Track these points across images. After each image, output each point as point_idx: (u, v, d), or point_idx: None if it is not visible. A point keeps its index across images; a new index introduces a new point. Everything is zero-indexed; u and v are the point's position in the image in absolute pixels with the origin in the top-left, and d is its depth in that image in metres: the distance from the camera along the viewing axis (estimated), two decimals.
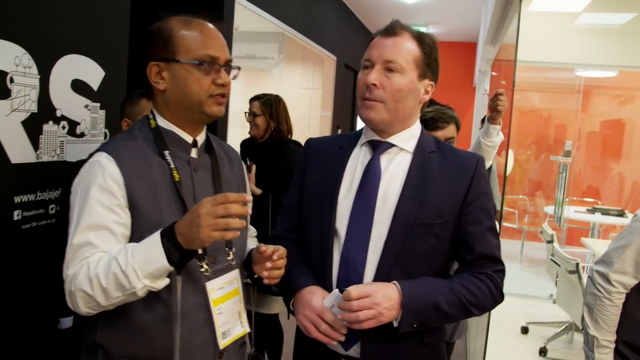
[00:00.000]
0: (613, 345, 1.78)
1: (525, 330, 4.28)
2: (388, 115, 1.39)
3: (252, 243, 1.57)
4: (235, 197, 1.11)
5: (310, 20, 5.51)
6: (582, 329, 1.88)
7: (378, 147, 1.44)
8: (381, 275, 1.35)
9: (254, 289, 1.50)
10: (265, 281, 1.35)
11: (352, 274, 1.36)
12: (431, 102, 3.03)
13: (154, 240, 1.17)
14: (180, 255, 1.15)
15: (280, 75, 5.40)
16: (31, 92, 1.84)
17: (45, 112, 1.91)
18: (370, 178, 1.41)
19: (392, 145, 1.44)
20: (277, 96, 3.21)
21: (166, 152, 1.30)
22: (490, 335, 3.33)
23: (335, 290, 1.31)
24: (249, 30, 4.57)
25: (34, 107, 1.86)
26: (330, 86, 6.67)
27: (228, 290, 1.38)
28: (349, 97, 7.98)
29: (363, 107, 1.40)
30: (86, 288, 1.17)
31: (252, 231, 1.67)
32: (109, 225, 1.21)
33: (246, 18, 3.85)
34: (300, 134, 5.97)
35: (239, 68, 1.38)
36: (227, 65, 1.34)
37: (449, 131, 2.29)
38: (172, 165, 1.29)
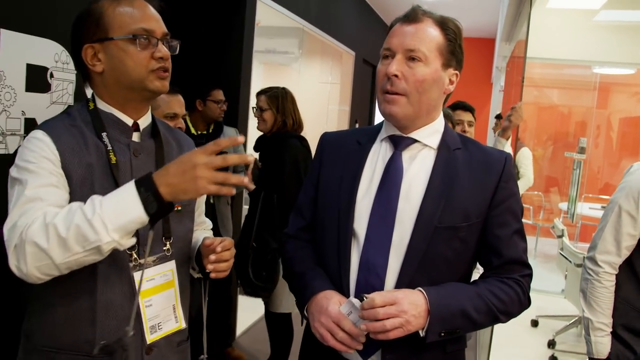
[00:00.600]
0: (609, 329, 1.85)
1: (535, 324, 4.37)
2: (412, 109, 1.29)
3: (205, 235, 1.48)
4: (226, 142, 1.07)
5: (330, 16, 5.62)
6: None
7: (400, 143, 1.35)
8: (405, 281, 1.25)
9: (206, 284, 1.42)
10: (212, 275, 1.29)
11: (372, 279, 1.26)
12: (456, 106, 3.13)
13: (128, 190, 1.07)
14: (158, 207, 1.06)
15: (299, 70, 5.52)
16: (68, 86, 1.99)
17: None
18: (392, 176, 1.32)
19: (415, 141, 1.34)
20: (284, 89, 3.09)
21: (103, 134, 1.24)
22: (500, 327, 3.41)
23: (352, 297, 1.25)
24: (270, 25, 4.69)
25: (70, 100, 2.00)
26: (349, 81, 6.77)
27: (160, 282, 1.29)
28: (367, 92, 8.07)
29: (384, 102, 1.30)
30: (40, 240, 1.04)
31: (208, 224, 1.60)
32: (57, 185, 1.15)
33: (267, 14, 3.98)
34: (318, 128, 6.09)
35: (179, 41, 1.32)
36: (165, 39, 1.27)
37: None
38: (109, 148, 1.23)
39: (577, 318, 4.11)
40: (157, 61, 1.24)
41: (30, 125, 1.83)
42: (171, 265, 1.32)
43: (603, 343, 1.86)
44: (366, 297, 1.19)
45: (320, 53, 6.53)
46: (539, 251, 6.71)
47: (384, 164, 1.34)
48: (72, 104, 2.01)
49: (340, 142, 1.45)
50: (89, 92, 1.31)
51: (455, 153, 1.34)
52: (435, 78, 1.29)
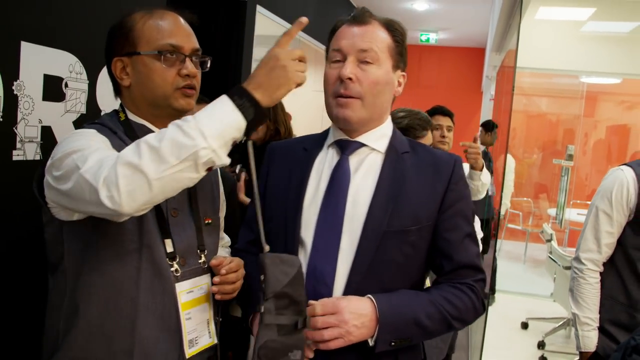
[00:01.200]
0: (595, 323, 1.97)
1: (525, 326, 4.48)
2: (365, 112, 1.27)
3: (223, 253, 1.45)
4: (295, 30, 1.10)
5: (325, 27, 5.76)
6: None
7: (347, 148, 1.32)
8: (353, 288, 1.22)
9: (218, 303, 1.37)
10: (217, 297, 1.26)
11: (320, 287, 1.22)
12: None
13: (221, 101, 1.03)
14: (255, 112, 1.02)
15: None
16: (81, 96, 2.08)
17: (92, 113, 2.15)
18: (339, 181, 1.29)
19: (363, 145, 1.32)
20: None
21: None
22: (492, 329, 3.53)
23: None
24: (268, 34, 4.80)
25: (83, 109, 2.10)
26: None
27: (198, 295, 1.27)
28: None
29: (337, 106, 1.27)
30: (132, 157, 0.97)
31: (226, 240, 1.56)
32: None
33: (266, 26, 4.10)
34: None
35: (210, 57, 1.29)
36: (195, 55, 1.26)
37: (427, 139, 2.21)
38: None
39: (565, 320, 4.23)
40: (183, 78, 1.22)
41: (46, 133, 1.92)
42: (206, 278, 1.29)
43: (590, 337, 1.96)
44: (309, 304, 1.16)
45: (314, 61, 6.65)
46: (529, 256, 6.84)
47: (331, 170, 1.31)
48: (85, 112, 2.10)
49: (286, 151, 1.42)
50: (117, 103, 1.37)
51: (403, 157, 1.32)
52: (387, 80, 1.29)
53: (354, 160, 1.32)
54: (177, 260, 1.22)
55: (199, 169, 1.00)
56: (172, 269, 1.20)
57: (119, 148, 1.10)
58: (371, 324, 1.18)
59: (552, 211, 6.64)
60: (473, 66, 9.31)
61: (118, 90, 1.31)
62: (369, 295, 1.21)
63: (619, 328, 1.93)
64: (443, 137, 3.08)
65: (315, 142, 1.39)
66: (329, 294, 1.22)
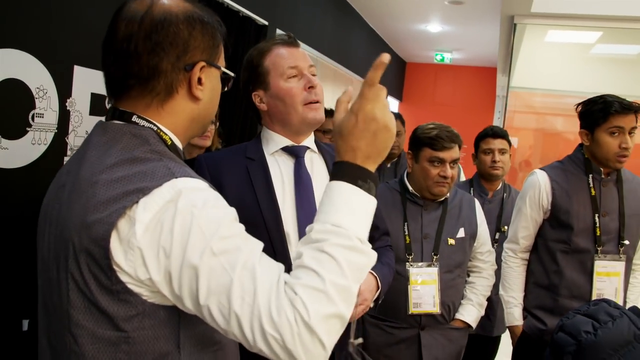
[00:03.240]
0: (517, 301, 2.27)
1: None
2: None
3: None
4: (380, 70, 0.94)
5: (342, 47, 6.04)
6: None
7: (299, 152, 1.51)
8: None
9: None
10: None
11: None
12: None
13: (352, 193, 0.88)
14: (376, 187, 0.92)
15: None
16: None
17: None
18: (304, 180, 1.47)
19: (308, 148, 1.54)
20: None
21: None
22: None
23: None
24: None
25: None
26: None
27: None
28: None
29: (311, 110, 1.46)
30: (326, 307, 0.79)
31: None
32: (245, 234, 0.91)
33: None
34: None
35: (234, 75, 1.22)
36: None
37: (455, 152, 2.09)
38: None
39: None
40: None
41: None
42: None
43: (512, 313, 2.27)
44: None
45: (332, 80, 6.95)
46: None
47: (289, 173, 1.49)
48: None
49: (227, 161, 1.51)
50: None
51: (330, 153, 1.55)
52: None
53: (306, 161, 1.53)
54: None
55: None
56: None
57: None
58: (375, 289, 1.49)
59: None
60: (486, 85, 9.49)
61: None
62: (371, 271, 1.46)
63: (545, 312, 2.20)
64: (495, 161, 2.84)
65: (254, 151, 1.52)
66: None
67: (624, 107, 2.07)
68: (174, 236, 0.82)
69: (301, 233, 1.40)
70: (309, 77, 1.50)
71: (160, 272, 0.83)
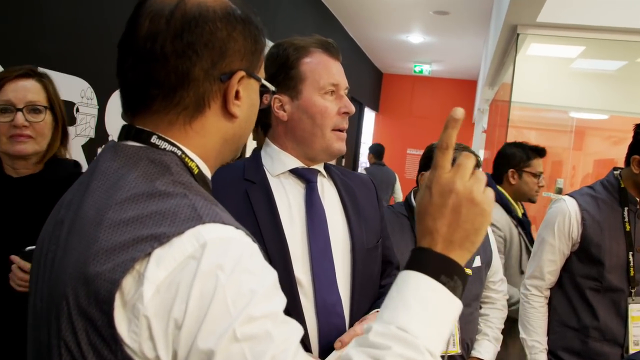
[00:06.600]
0: (542, 346, 2.03)
1: None
2: None
3: None
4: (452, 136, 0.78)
5: None
6: None
7: (310, 175, 1.28)
8: (354, 309, 1.21)
9: None
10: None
11: (333, 319, 1.18)
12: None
13: (430, 291, 0.70)
14: (463, 284, 0.73)
15: None
16: (91, 120, 2.14)
17: (100, 138, 2.20)
18: (316, 209, 1.24)
19: (318, 172, 1.30)
20: None
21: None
22: None
23: (334, 352, 1.13)
24: None
25: (92, 133, 2.15)
26: None
27: None
28: (353, 128, 8.31)
29: (339, 140, 1.26)
30: None
31: None
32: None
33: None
34: None
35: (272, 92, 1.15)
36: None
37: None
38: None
39: None
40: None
41: None
42: None
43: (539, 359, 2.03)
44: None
45: None
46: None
47: (299, 201, 1.24)
48: (94, 137, 2.15)
49: (220, 186, 1.15)
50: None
51: (340, 178, 1.35)
52: None
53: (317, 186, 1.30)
54: None
55: None
56: None
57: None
58: None
59: None
60: (465, 98, 9.47)
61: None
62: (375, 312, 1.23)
63: (572, 355, 1.99)
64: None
65: (254, 172, 1.27)
66: (342, 323, 1.19)
67: None
68: (189, 306, 0.62)
69: (317, 273, 1.18)
70: (347, 100, 1.27)
71: (169, 350, 0.63)
